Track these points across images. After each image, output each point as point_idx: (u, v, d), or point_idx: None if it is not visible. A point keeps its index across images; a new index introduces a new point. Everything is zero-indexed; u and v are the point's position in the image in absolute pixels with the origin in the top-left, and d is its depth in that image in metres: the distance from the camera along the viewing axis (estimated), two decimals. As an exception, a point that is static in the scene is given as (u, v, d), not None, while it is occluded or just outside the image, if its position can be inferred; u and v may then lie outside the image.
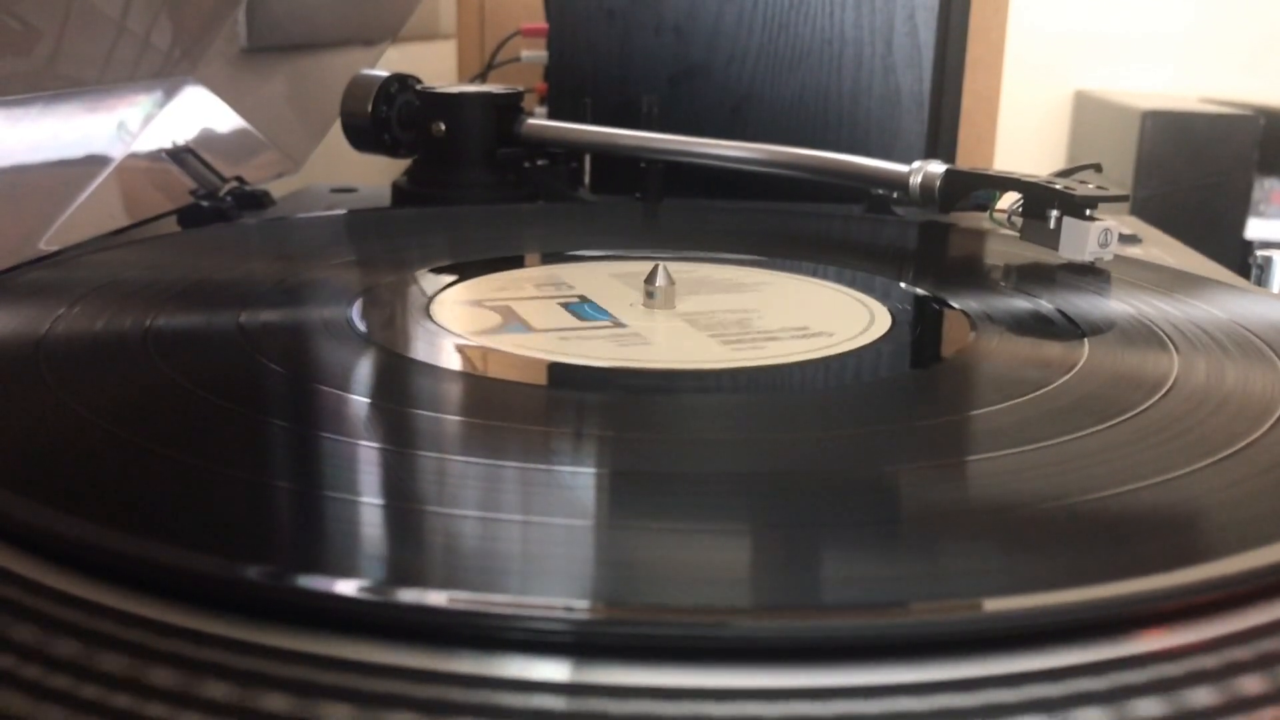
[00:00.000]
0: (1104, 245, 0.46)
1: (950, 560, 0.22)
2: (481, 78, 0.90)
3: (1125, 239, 0.56)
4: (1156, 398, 0.30)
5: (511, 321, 0.38)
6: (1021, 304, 0.41)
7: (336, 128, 0.66)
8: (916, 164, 0.53)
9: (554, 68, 0.69)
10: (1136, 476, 0.25)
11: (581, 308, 0.40)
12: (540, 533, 0.22)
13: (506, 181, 0.62)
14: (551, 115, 0.68)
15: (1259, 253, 0.50)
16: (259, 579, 0.19)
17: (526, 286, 0.43)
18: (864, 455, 0.27)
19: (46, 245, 0.47)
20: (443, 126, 0.61)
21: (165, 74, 0.59)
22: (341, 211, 0.57)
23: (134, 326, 0.34)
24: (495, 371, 0.34)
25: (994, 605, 0.19)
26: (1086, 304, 0.41)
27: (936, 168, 0.52)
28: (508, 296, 0.41)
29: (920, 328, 0.40)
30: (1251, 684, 0.18)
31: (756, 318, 0.39)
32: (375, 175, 0.76)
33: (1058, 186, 0.47)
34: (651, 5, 0.66)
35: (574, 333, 0.37)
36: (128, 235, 0.53)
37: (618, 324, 0.38)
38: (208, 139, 0.62)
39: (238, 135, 0.66)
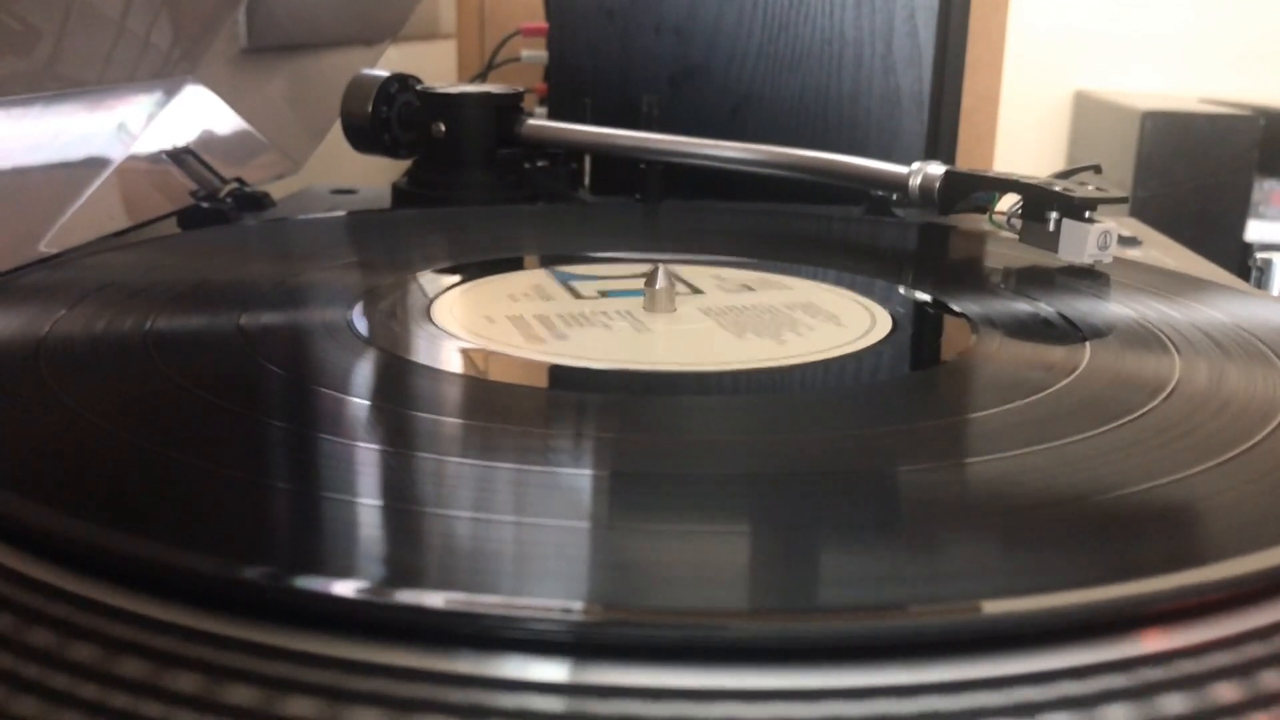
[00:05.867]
0: (1103, 247, 0.46)
1: (951, 562, 0.22)
2: (481, 78, 0.90)
3: (1125, 241, 0.56)
4: (1158, 400, 0.30)
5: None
6: (1022, 307, 0.41)
7: (337, 128, 0.66)
8: (916, 165, 0.53)
9: (554, 68, 0.69)
10: (1138, 479, 0.25)
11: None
12: (539, 534, 0.22)
13: (506, 182, 0.62)
14: (551, 115, 0.68)
15: (1259, 255, 0.50)
16: (256, 579, 0.19)
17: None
18: (865, 457, 0.27)
19: (47, 247, 0.47)
20: (443, 127, 0.61)
21: (165, 74, 0.59)
22: (341, 213, 0.57)
23: (134, 328, 0.34)
24: (495, 373, 0.34)
25: (994, 607, 0.19)
26: (1087, 306, 0.41)
27: (935, 169, 0.52)
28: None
29: (921, 330, 0.40)
30: (1251, 684, 0.18)
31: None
32: (375, 176, 0.76)
33: (1057, 188, 0.47)
34: (651, 5, 0.66)
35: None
36: (128, 237, 0.53)
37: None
38: (208, 140, 0.62)
39: (238, 136, 0.66)
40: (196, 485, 0.24)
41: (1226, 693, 0.18)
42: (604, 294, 0.42)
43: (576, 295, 0.41)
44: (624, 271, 0.45)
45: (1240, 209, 1.39)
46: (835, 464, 0.27)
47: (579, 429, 0.29)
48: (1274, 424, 0.28)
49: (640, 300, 0.40)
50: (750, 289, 0.43)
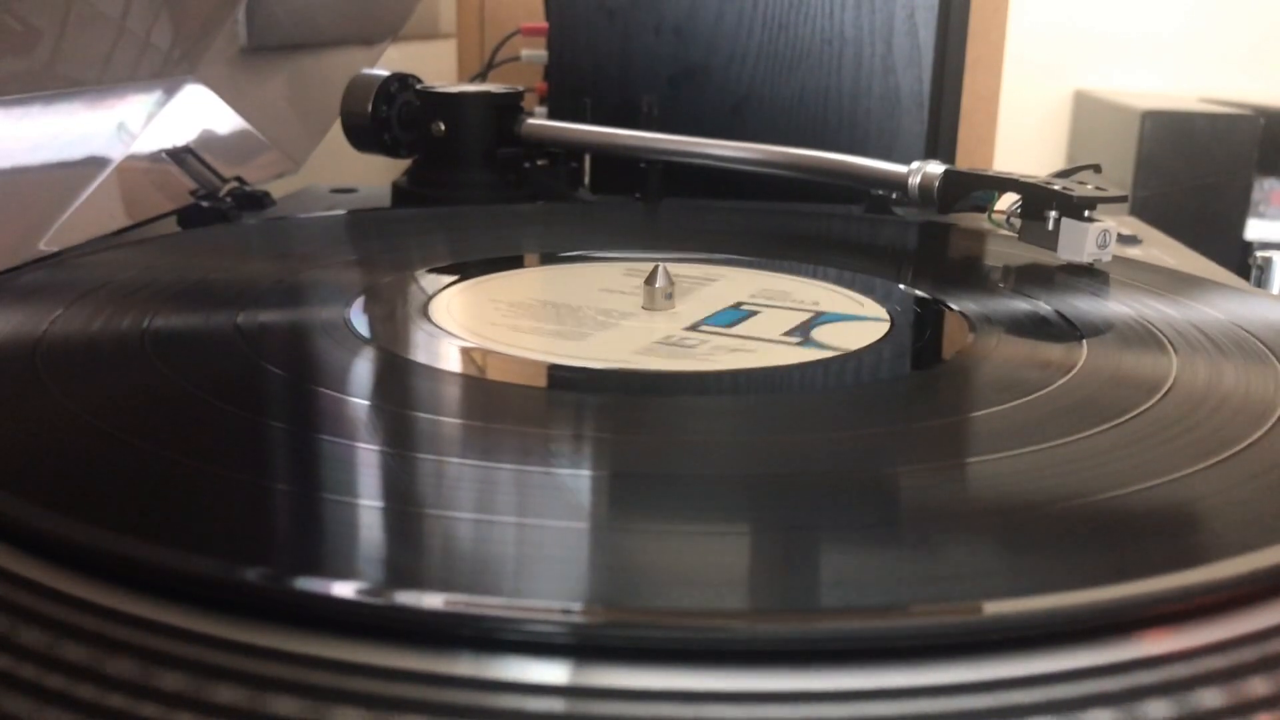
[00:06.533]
0: (1102, 246, 0.46)
1: (950, 562, 0.22)
2: (481, 77, 0.90)
3: (1124, 239, 0.56)
4: (1155, 399, 0.30)
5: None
6: (1020, 305, 0.41)
7: (336, 128, 0.66)
8: (915, 164, 0.53)
9: (554, 68, 0.69)
10: (1136, 478, 0.25)
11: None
12: (539, 535, 0.22)
13: (506, 181, 0.62)
14: (551, 115, 0.68)
15: (1258, 253, 0.50)
16: (256, 580, 0.19)
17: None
18: (864, 457, 0.27)
19: (46, 246, 0.47)
20: (442, 126, 0.61)
21: (165, 74, 0.59)
22: (341, 212, 0.57)
23: (132, 327, 0.34)
24: (494, 373, 0.34)
25: (994, 607, 0.19)
26: (1085, 305, 0.41)
27: (935, 168, 0.52)
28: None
29: (919, 329, 0.40)
30: (1252, 686, 0.18)
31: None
32: (375, 175, 0.76)
33: (1056, 187, 0.47)
34: (651, 5, 0.66)
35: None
36: (127, 236, 0.53)
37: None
38: (208, 139, 0.62)
39: (238, 135, 0.66)
40: (194, 485, 0.24)
41: (1228, 694, 0.18)
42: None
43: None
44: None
45: (1240, 208, 1.39)
46: (835, 464, 0.27)
47: (579, 429, 0.29)
48: (1271, 422, 0.28)
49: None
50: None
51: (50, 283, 0.39)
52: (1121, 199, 0.47)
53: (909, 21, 0.64)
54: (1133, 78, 1.69)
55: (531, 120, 0.63)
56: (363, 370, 0.33)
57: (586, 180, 0.69)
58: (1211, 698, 0.18)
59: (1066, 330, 0.38)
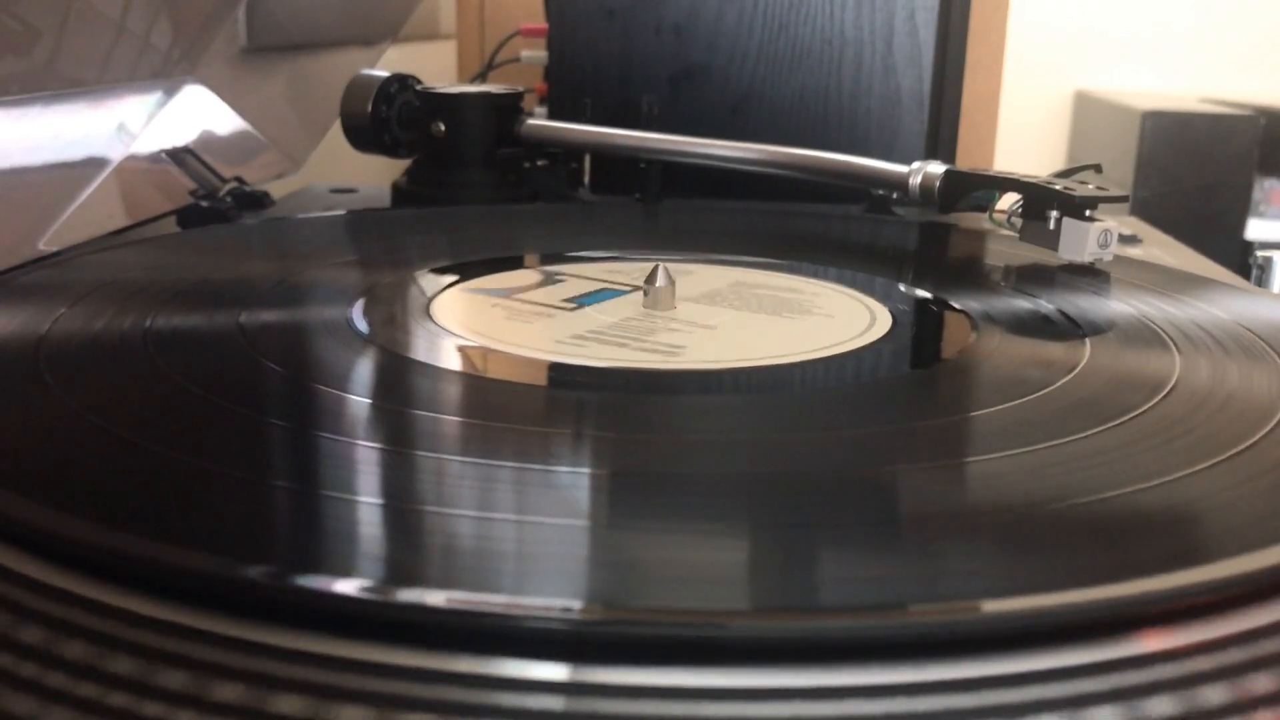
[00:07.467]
0: (1104, 246, 0.46)
1: (950, 561, 0.22)
2: (481, 78, 0.90)
3: (1125, 239, 0.56)
4: (1158, 399, 0.30)
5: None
6: (1022, 304, 0.41)
7: (336, 128, 0.66)
8: (916, 164, 0.53)
9: (554, 68, 0.69)
10: (1138, 478, 0.25)
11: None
12: (539, 533, 0.22)
13: (506, 182, 0.62)
14: (551, 115, 0.68)
15: (1259, 253, 0.50)
16: (257, 579, 0.19)
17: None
18: (864, 456, 0.27)
19: (46, 245, 0.47)
20: (442, 127, 0.61)
21: (165, 74, 0.59)
22: (341, 212, 0.57)
23: (134, 327, 0.34)
24: (494, 372, 0.34)
25: (993, 606, 0.19)
26: (1087, 304, 0.41)
27: (936, 168, 0.52)
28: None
29: (921, 328, 0.40)
30: (1251, 685, 0.18)
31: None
32: (375, 175, 0.76)
33: (1057, 187, 0.47)
34: (651, 5, 0.66)
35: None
36: (127, 235, 0.53)
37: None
38: (207, 139, 0.62)
39: (237, 135, 0.66)
40: (196, 484, 0.24)
41: (1227, 692, 0.18)
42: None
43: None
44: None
45: (1240, 208, 1.39)
46: (835, 463, 0.27)
47: (579, 428, 0.29)
48: (1274, 423, 0.28)
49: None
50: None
51: (52, 282, 0.39)
52: (1122, 199, 0.47)
53: (909, 21, 0.64)
54: (1133, 78, 1.69)
55: (531, 120, 0.63)
56: (365, 369, 0.33)
57: (586, 180, 0.69)
58: (1209, 695, 0.18)
59: (1069, 329, 0.38)
